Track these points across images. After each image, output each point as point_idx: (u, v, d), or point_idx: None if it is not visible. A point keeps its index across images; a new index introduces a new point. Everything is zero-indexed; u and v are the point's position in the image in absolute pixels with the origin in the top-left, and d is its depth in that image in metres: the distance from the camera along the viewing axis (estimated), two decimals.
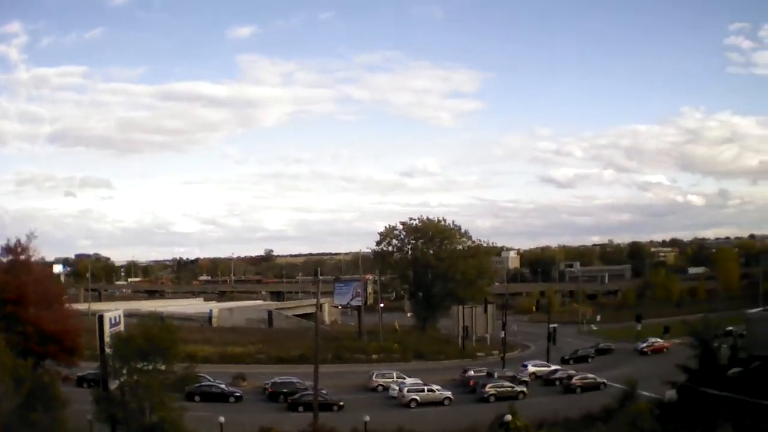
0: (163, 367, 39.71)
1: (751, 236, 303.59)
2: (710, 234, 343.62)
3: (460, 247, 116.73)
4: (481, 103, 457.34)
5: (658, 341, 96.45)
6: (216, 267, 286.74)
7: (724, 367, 51.11)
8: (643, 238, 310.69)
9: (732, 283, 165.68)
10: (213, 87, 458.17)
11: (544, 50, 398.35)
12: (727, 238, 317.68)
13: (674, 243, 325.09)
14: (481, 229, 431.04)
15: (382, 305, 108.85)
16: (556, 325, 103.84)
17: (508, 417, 39.00)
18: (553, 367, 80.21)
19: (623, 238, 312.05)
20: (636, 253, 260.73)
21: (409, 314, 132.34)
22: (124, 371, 39.96)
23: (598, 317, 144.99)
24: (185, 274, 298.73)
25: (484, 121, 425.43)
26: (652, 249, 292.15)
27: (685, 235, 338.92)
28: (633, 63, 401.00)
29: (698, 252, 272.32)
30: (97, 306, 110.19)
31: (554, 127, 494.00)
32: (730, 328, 66.56)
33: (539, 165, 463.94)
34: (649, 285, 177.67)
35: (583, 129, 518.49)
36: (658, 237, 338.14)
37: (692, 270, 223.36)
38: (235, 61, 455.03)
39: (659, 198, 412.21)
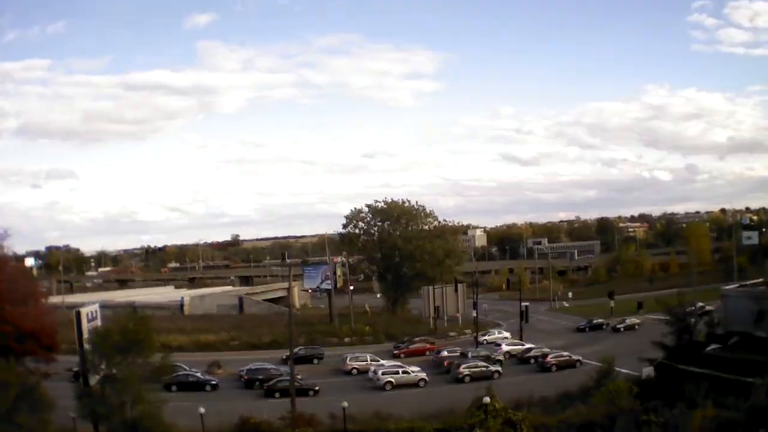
0: (140, 360, 39.61)
1: (722, 210, 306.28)
2: (680, 209, 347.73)
3: (426, 227, 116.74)
4: (441, 83, 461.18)
5: (632, 319, 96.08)
6: (184, 254, 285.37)
7: (702, 344, 52.04)
8: (611, 213, 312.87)
9: (704, 258, 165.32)
10: (173, 75, 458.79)
11: (504, 30, 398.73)
12: (697, 212, 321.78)
13: (643, 218, 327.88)
14: (445, 208, 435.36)
15: (351, 288, 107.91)
16: (527, 303, 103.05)
17: (487, 399, 38.13)
18: (527, 346, 79.82)
19: (590, 214, 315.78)
20: (604, 228, 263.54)
21: (378, 295, 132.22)
22: (103, 366, 40.00)
23: (570, 294, 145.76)
24: (154, 262, 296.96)
25: (445, 101, 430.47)
26: (621, 224, 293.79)
27: (654, 210, 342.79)
28: (596, 41, 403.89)
29: (668, 227, 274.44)
30: (71, 299, 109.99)
31: (516, 105, 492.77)
32: (701, 304, 66.58)
33: (501, 143, 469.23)
34: (620, 261, 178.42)
35: (546, 107, 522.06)
36: (627, 212, 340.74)
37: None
38: (194, 48, 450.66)
39: (626, 174, 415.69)
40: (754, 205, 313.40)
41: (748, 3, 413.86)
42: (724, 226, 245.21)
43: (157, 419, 38.26)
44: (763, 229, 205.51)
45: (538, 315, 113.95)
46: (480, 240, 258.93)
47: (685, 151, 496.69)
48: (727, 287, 63.85)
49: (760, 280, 65.46)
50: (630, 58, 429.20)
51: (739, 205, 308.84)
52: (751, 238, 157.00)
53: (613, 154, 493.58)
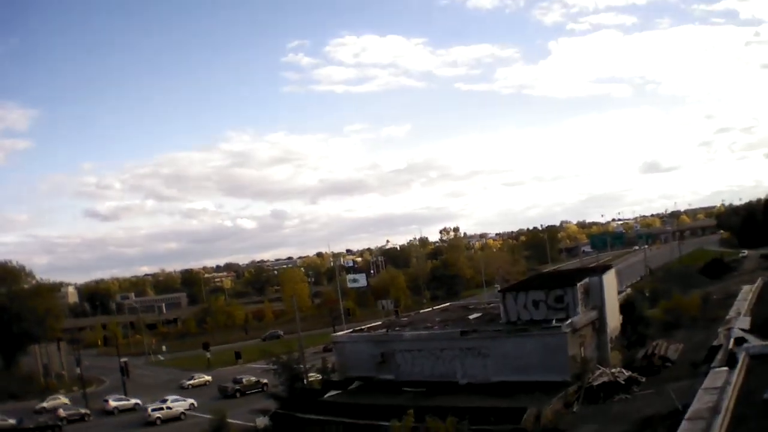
0: None
1: (318, 254, 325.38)
2: (269, 256, 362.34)
3: (26, 286, 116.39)
4: (31, 141, 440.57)
5: (203, 376, 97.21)
6: None
7: (318, 391, 54.47)
8: (196, 264, 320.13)
9: (303, 303, 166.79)
10: None
11: (89, 83, 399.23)
12: (290, 258, 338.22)
13: (230, 267, 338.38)
14: (39, 266, 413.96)
15: None
16: (126, 358, 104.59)
17: None
18: (133, 401, 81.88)
19: (174, 266, 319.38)
20: (189, 280, 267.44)
21: None
22: None
23: (164, 347, 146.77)
24: None
25: (35, 158, 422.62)
26: (206, 275, 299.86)
27: (241, 259, 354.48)
28: (173, 87, 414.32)
29: (258, 275, 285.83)
30: None
31: (97, 160, 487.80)
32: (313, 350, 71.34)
33: (84, 199, 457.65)
34: (209, 312, 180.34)
35: (126, 160, 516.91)
36: (212, 263, 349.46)
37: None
38: None
39: (207, 224, 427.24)
40: (356, 246, 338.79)
41: (355, 39, 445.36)
42: (321, 271, 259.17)
43: None
44: (371, 271, 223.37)
45: (137, 369, 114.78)
46: (72, 297, 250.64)
47: (272, 197, 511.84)
48: (338, 333, 65.55)
49: (378, 322, 69.28)
50: (211, 104, 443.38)
51: (338, 248, 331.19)
52: (357, 280, 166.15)
53: (193, 204, 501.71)
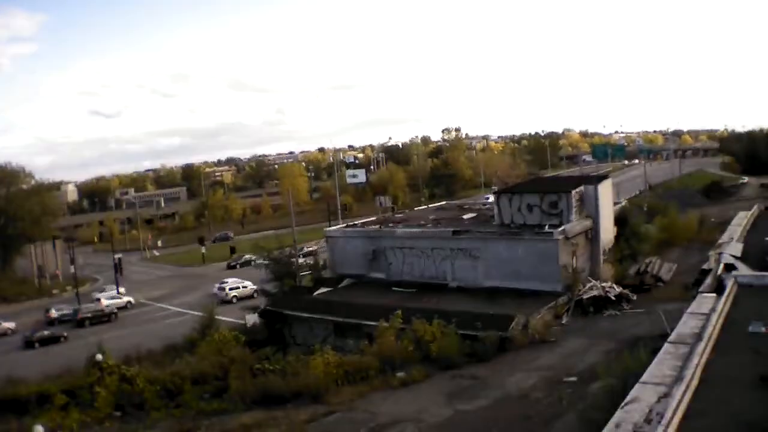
0: None
1: (320, 150, 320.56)
2: (270, 150, 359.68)
3: (25, 186, 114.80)
4: (36, 44, 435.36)
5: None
6: None
7: (309, 288, 53.32)
8: (197, 159, 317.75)
9: (301, 198, 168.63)
10: None
11: None
12: (291, 152, 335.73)
13: (231, 162, 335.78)
14: (41, 166, 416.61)
15: None
16: (120, 255, 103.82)
17: (99, 356, 38.46)
18: (125, 299, 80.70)
19: (176, 162, 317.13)
20: (190, 175, 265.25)
21: None
22: None
23: (159, 242, 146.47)
24: None
25: (40, 62, 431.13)
26: (207, 170, 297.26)
27: (243, 154, 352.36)
28: None
29: (258, 169, 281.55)
30: None
31: (103, 58, 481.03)
32: (303, 246, 69.69)
33: (88, 98, 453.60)
34: (206, 206, 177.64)
35: (132, 58, 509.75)
36: (213, 157, 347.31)
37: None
38: None
39: (210, 120, 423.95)
40: (358, 142, 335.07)
41: None
42: (322, 166, 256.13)
43: None
44: (371, 167, 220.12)
45: (131, 266, 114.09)
46: (71, 195, 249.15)
47: (275, 93, 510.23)
48: (332, 228, 62.70)
49: (372, 218, 67.39)
50: None
51: (341, 143, 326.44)
52: (357, 176, 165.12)
53: (197, 100, 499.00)
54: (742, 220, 64.76)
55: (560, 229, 44.83)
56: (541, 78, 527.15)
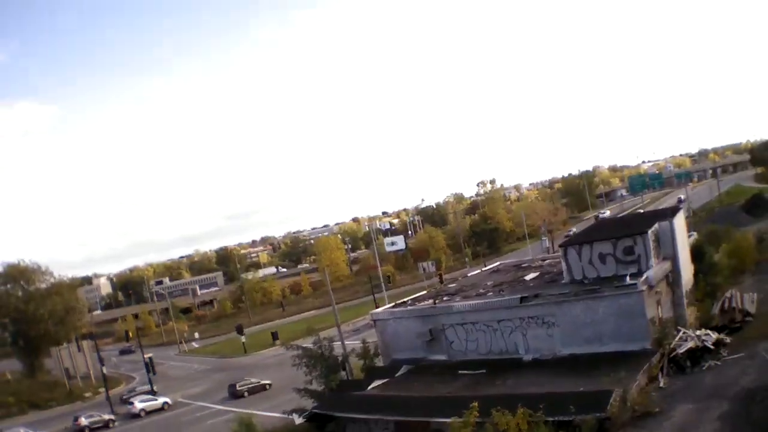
0: None
1: (354, 219, 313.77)
2: (304, 225, 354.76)
3: (44, 285, 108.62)
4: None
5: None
6: None
7: (360, 381, 46.04)
8: (231, 242, 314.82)
9: (341, 272, 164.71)
10: None
11: None
12: (326, 225, 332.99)
13: (265, 241, 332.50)
14: (68, 262, 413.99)
15: None
16: (151, 354, 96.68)
17: None
18: (161, 400, 76.00)
19: (208, 246, 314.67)
20: (225, 258, 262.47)
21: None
22: None
23: (196, 334, 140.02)
24: None
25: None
26: (242, 251, 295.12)
27: (277, 232, 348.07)
28: None
29: (294, 245, 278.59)
30: None
31: None
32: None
33: None
34: (243, 289, 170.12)
35: None
36: (247, 238, 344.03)
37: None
38: None
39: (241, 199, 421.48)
40: (391, 208, 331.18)
41: None
42: (358, 236, 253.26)
43: None
44: (409, 232, 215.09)
45: (169, 361, 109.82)
46: (105, 288, 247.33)
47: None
48: (379, 310, 53.91)
49: (423, 293, 59.41)
50: None
51: (374, 211, 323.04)
52: (396, 243, 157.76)
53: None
54: None
55: (643, 277, 38.31)
56: (563, 119, 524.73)
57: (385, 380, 44.34)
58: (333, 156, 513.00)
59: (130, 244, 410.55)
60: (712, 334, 38.30)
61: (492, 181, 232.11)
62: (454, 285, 59.87)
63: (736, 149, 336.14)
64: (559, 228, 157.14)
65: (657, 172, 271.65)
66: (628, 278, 39.03)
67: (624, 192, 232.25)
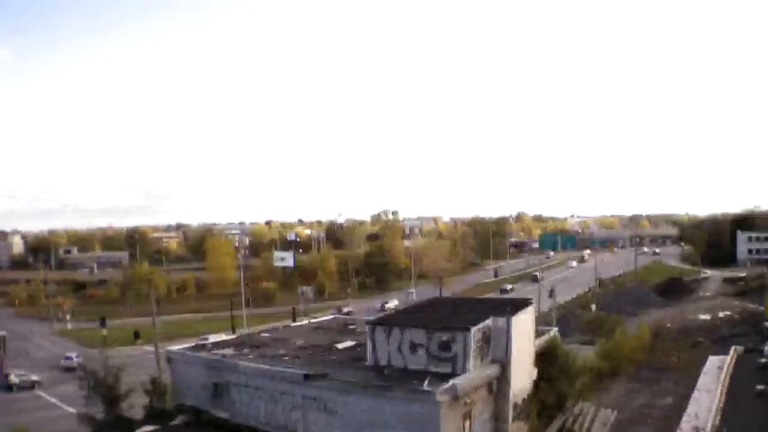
0: None
1: (268, 222, 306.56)
2: (222, 218, 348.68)
3: None
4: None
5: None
6: None
7: (134, 421, 44.37)
8: (147, 221, 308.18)
9: (228, 278, 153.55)
10: None
11: None
12: (242, 222, 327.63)
13: (180, 227, 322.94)
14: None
15: None
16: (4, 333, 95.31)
17: None
18: (33, 378, 77.83)
19: (126, 222, 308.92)
20: (134, 239, 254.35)
21: None
22: None
23: (68, 316, 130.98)
24: None
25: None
26: (155, 234, 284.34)
27: (194, 219, 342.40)
28: None
29: (204, 238, 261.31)
30: None
31: None
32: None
33: None
34: (134, 277, 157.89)
35: None
36: (164, 221, 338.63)
37: None
38: None
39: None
40: (308, 218, 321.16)
41: None
42: (265, 240, 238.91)
43: None
44: (312, 247, 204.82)
45: (37, 338, 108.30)
46: (17, 247, 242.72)
47: None
48: (174, 348, 50.53)
49: (230, 337, 55.73)
50: None
51: (291, 218, 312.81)
52: (285, 259, 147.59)
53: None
54: (712, 380, 51.73)
55: (447, 385, 32.56)
56: (499, 159, 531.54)
57: (156, 428, 42.42)
58: (262, 153, 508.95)
59: (57, 205, 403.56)
60: None
61: (395, 213, 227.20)
62: (267, 334, 55.72)
63: (673, 219, 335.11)
64: (450, 275, 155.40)
65: (579, 230, 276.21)
66: (426, 382, 33.15)
67: (536, 245, 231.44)
